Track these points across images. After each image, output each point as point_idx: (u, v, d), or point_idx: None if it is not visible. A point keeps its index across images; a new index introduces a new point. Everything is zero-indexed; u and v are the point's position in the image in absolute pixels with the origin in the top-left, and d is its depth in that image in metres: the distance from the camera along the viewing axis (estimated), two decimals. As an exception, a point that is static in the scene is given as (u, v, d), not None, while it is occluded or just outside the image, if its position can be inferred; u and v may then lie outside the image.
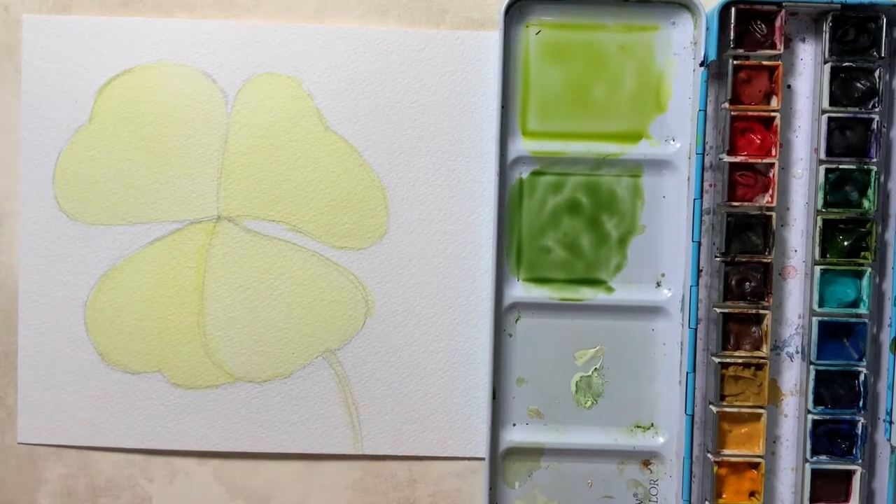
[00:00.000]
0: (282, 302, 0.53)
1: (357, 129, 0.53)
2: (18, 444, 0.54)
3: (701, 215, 0.51)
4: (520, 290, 0.53)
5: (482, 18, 0.52)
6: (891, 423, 0.51)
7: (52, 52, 0.52)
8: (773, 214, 0.50)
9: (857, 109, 0.50)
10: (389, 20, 0.53)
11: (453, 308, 0.53)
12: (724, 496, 0.52)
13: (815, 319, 0.51)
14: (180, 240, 0.53)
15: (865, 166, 0.50)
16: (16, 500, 0.54)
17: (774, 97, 0.50)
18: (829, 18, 0.50)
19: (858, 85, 0.50)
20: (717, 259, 0.51)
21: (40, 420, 0.53)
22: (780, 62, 0.50)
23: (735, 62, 0.50)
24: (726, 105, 0.50)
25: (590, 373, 0.53)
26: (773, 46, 0.50)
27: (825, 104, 0.50)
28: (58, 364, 0.53)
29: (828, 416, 0.51)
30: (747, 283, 0.51)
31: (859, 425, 0.51)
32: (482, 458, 0.53)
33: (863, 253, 0.51)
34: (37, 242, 0.53)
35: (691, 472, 0.52)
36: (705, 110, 0.50)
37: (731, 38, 0.50)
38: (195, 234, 0.53)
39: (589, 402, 0.54)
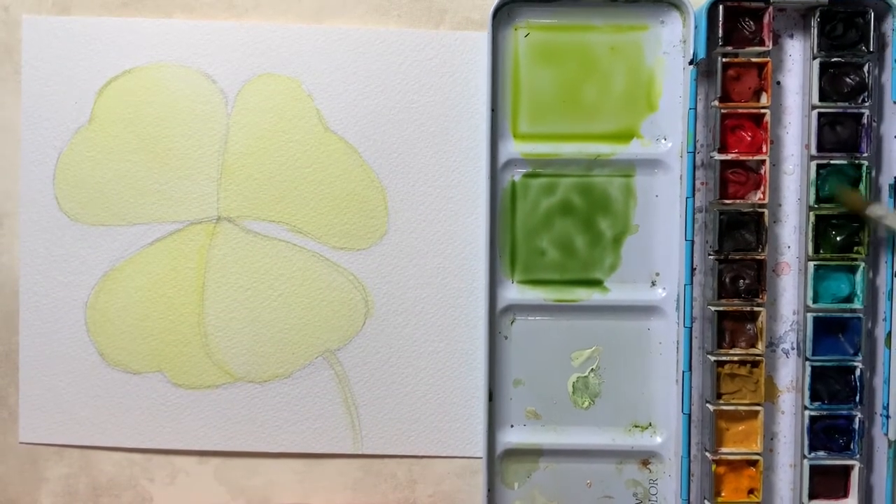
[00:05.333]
0: (282, 302, 0.51)
1: (357, 130, 0.50)
2: (20, 443, 0.52)
3: (693, 214, 0.49)
4: (514, 292, 0.51)
5: (482, 19, 0.50)
6: (887, 417, 0.48)
7: (52, 52, 0.50)
8: (766, 211, 0.48)
9: (846, 104, 0.48)
10: (389, 20, 0.51)
11: (453, 308, 0.51)
12: (722, 494, 0.49)
13: (809, 315, 0.49)
14: (180, 240, 0.51)
15: (857, 161, 0.48)
16: (17, 500, 0.52)
17: (764, 94, 0.48)
18: (817, 14, 0.48)
19: (848, 80, 0.48)
20: (711, 257, 0.49)
21: (42, 420, 0.51)
22: (768, 59, 0.48)
23: (724, 60, 0.48)
24: (716, 103, 0.48)
25: (586, 373, 0.51)
26: (762, 43, 0.48)
27: (815, 100, 0.48)
28: (59, 364, 0.51)
29: (825, 412, 0.49)
30: (741, 281, 0.49)
31: (856, 420, 0.48)
32: (482, 458, 0.50)
33: (856, 248, 0.48)
34: (37, 243, 0.51)
35: (689, 470, 0.50)
36: (696, 108, 0.48)
37: (720, 35, 0.48)
38: (195, 235, 0.51)
39: (586, 403, 0.51)
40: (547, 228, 0.50)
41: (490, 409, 0.50)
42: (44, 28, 0.50)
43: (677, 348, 0.50)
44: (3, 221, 0.51)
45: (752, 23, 0.48)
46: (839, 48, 0.47)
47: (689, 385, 0.49)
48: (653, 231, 0.50)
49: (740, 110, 0.48)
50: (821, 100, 0.48)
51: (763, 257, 0.48)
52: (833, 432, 0.48)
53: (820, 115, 0.48)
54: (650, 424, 0.51)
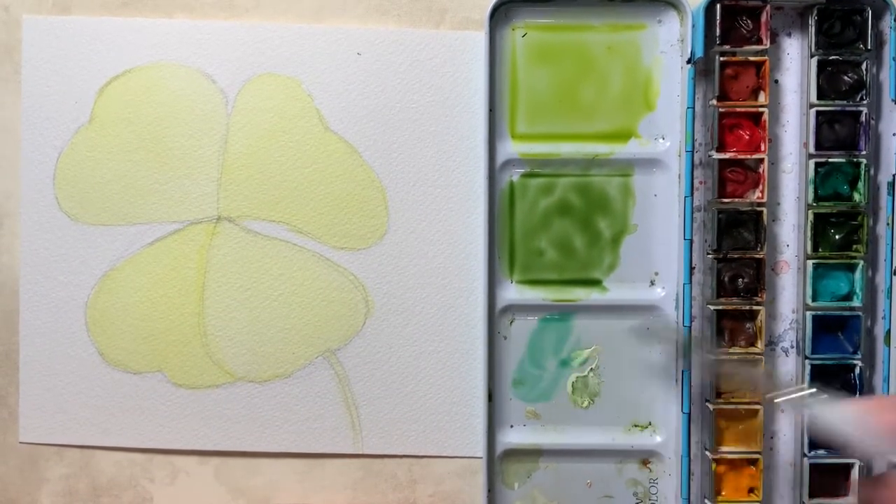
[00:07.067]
0: (282, 302, 0.50)
1: (357, 130, 0.49)
2: (20, 443, 0.51)
3: (692, 213, 0.48)
4: (513, 292, 0.50)
5: (482, 19, 0.49)
6: None
7: (52, 52, 0.49)
8: (764, 210, 0.47)
9: (844, 102, 0.47)
10: (389, 20, 0.50)
11: (453, 308, 0.50)
12: (723, 493, 0.48)
13: (808, 314, 0.47)
14: (181, 240, 0.50)
15: (855, 159, 0.47)
16: (18, 500, 0.51)
17: (762, 92, 0.47)
18: (815, 12, 0.47)
19: (846, 78, 0.47)
20: (710, 256, 0.48)
21: (42, 420, 0.50)
22: (766, 57, 0.47)
23: (721, 58, 0.47)
24: (714, 102, 0.47)
25: (586, 373, 0.50)
26: (760, 42, 0.47)
27: (813, 98, 0.47)
28: (59, 364, 0.50)
29: None
30: (740, 280, 0.48)
31: None
32: (482, 458, 0.50)
33: (855, 246, 0.47)
34: (37, 243, 0.50)
35: (689, 470, 0.48)
36: (693, 108, 0.48)
37: (718, 34, 0.47)
38: (195, 235, 0.50)
39: (586, 403, 0.50)
40: (545, 228, 0.49)
41: (489, 409, 0.49)
42: (44, 28, 0.49)
43: (676, 348, 0.49)
44: (3, 221, 0.50)
45: (749, 21, 0.47)
46: (837, 46, 0.47)
47: (688, 384, 0.48)
48: (651, 230, 0.49)
49: (738, 109, 0.47)
50: (819, 98, 0.47)
51: (762, 256, 0.47)
52: (833, 431, 0.47)
53: (818, 113, 0.47)
54: (650, 424, 0.50)
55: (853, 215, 0.47)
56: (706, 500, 0.48)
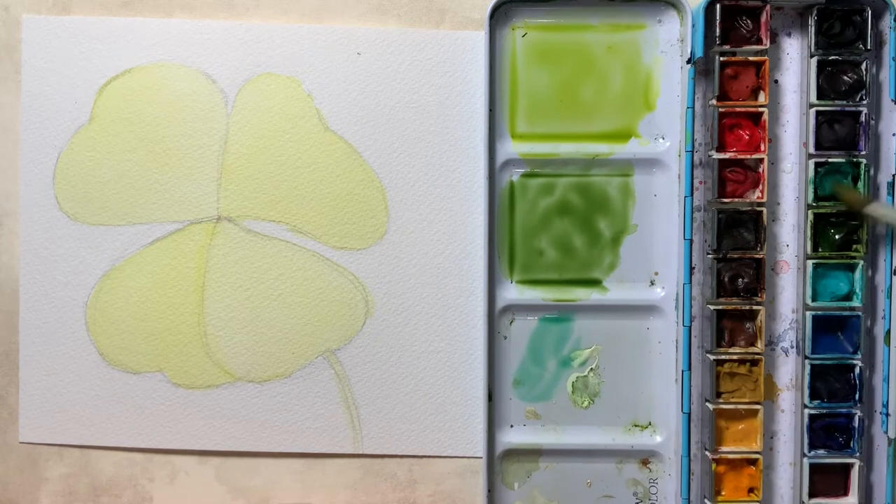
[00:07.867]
0: (282, 302, 0.50)
1: (357, 130, 0.49)
2: (20, 443, 0.51)
3: (692, 213, 0.48)
4: (513, 292, 0.50)
5: (482, 19, 0.49)
6: (887, 415, 0.47)
7: (52, 52, 0.49)
8: (764, 210, 0.47)
9: (844, 102, 0.47)
10: (389, 20, 0.50)
11: (453, 308, 0.50)
12: (723, 493, 0.48)
13: (808, 314, 0.47)
14: (181, 240, 0.50)
15: (855, 159, 0.47)
16: (17, 500, 0.51)
17: (762, 92, 0.47)
18: (815, 12, 0.47)
19: (845, 78, 0.47)
20: (710, 256, 0.48)
21: (42, 419, 0.50)
22: (766, 57, 0.47)
23: (721, 58, 0.47)
24: (714, 102, 0.47)
25: (586, 373, 0.50)
26: (759, 42, 0.47)
27: (813, 98, 0.47)
28: (59, 364, 0.50)
29: (824, 411, 0.47)
30: (740, 280, 0.47)
31: (856, 418, 0.47)
32: (482, 458, 0.49)
33: (854, 246, 0.47)
34: (37, 243, 0.50)
35: (689, 469, 0.48)
36: (693, 108, 0.47)
37: (717, 34, 0.47)
38: (195, 235, 0.50)
39: (586, 403, 0.50)
40: (545, 228, 0.49)
41: (489, 408, 0.49)
42: (44, 28, 0.49)
43: (676, 347, 0.49)
44: (3, 221, 0.50)
45: (749, 21, 0.47)
46: (837, 46, 0.46)
47: (688, 384, 0.48)
48: (651, 230, 0.49)
49: (738, 109, 0.47)
50: (819, 98, 0.46)
51: (762, 256, 0.47)
52: (833, 430, 0.47)
53: (818, 113, 0.47)
54: (650, 424, 0.50)
55: (853, 215, 0.47)
56: (706, 500, 0.48)
